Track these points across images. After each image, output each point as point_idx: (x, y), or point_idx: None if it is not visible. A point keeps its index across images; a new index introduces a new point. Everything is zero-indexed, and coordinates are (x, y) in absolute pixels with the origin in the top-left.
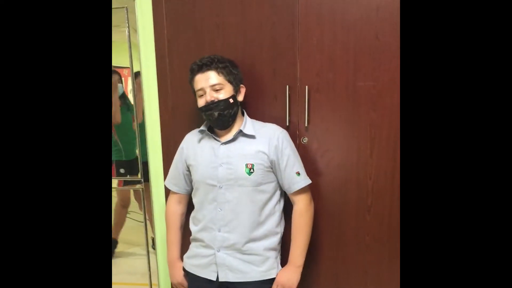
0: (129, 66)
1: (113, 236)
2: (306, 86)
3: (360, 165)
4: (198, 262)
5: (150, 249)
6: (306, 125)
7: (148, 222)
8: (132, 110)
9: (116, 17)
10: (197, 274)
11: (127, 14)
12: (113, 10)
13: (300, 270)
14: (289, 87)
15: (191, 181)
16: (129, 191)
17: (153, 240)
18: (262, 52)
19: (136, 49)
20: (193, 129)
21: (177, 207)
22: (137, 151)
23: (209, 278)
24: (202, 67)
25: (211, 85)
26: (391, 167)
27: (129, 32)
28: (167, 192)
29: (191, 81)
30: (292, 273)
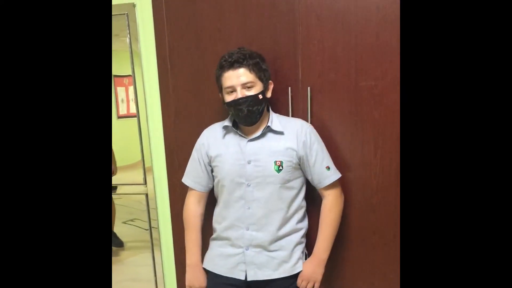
0: (130, 74)
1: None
2: (308, 87)
3: (364, 165)
4: (224, 262)
5: (156, 255)
6: None
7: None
8: None
9: (117, 26)
10: (222, 274)
11: (128, 22)
12: (113, 17)
13: (324, 263)
14: (291, 88)
15: (213, 178)
16: None
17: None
18: (264, 55)
19: (138, 57)
20: (197, 132)
21: (197, 208)
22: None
23: (237, 277)
24: (233, 64)
25: (243, 83)
26: (395, 166)
27: (130, 40)
28: (172, 194)
29: (219, 77)
30: (316, 266)
